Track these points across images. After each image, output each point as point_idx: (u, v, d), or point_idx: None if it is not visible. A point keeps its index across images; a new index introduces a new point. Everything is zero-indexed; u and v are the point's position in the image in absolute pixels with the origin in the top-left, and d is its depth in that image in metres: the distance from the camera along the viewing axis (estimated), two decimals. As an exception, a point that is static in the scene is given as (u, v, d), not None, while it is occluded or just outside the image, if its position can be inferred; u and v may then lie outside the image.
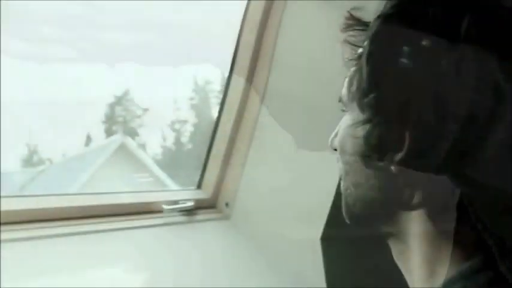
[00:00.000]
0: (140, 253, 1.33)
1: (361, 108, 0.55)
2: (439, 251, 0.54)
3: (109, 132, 3.69)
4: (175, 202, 1.49)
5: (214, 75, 4.33)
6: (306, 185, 1.50)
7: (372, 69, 0.53)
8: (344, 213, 0.65)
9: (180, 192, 1.60)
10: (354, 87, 0.57)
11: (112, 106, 3.67)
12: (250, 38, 1.56)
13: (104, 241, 1.31)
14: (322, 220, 1.45)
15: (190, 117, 4.30)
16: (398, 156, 0.53)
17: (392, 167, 0.54)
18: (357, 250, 1.35)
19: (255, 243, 1.53)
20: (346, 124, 0.61)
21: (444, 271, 0.53)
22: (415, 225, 0.56)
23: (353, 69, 0.58)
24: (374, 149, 0.55)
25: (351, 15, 0.61)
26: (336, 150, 0.65)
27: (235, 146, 1.59)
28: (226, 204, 1.59)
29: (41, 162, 3.41)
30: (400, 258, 0.60)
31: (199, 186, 1.63)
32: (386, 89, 0.53)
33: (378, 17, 0.54)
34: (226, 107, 1.60)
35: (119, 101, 3.71)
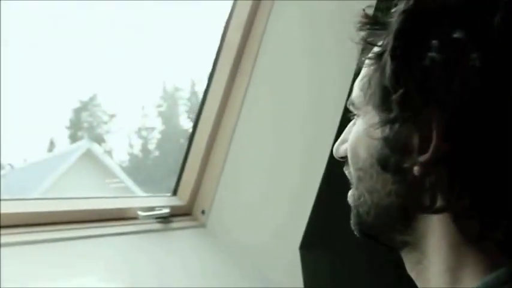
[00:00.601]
0: (115, 261, 1.25)
1: (384, 107, 0.52)
2: (463, 258, 0.51)
3: (73, 138, 3.56)
4: (151, 209, 1.42)
5: (184, 82, 4.27)
6: (284, 194, 1.46)
7: (398, 65, 0.50)
8: (354, 225, 0.61)
9: (155, 198, 1.53)
10: (372, 88, 0.55)
11: (77, 111, 3.55)
12: (233, 42, 1.52)
13: (76, 248, 1.22)
14: (301, 229, 1.41)
15: (158, 124, 4.23)
16: (424, 157, 0.50)
17: (415, 169, 0.51)
18: (336, 259, 1.32)
19: (231, 251, 1.47)
20: (360, 128, 0.58)
21: (468, 279, 0.50)
22: (437, 231, 0.53)
23: (371, 68, 0.55)
24: (396, 151, 0.52)
25: (366, 14, 0.58)
26: (342, 158, 0.63)
27: (212, 153, 1.53)
28: (203, 212, 1.53)
29: (1, 167, 3.27)
30: (416, 269, 0.57)
31: (174, 192, 1.56)
32: (415, 85, 0.49)
33: (402, 12, 0.51)
34: (204, 113, 1.54)
35: (85, 106, 3.59)
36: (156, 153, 3.95)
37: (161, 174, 3.69)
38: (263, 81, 1.50)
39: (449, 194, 0.51)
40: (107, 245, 1.27)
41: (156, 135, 3.87)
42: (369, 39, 0.57)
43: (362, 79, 0.58)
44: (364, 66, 0.58)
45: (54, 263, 1.15)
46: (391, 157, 0.53)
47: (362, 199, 0.58)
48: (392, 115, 0.51)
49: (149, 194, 1.55)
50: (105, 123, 3.61)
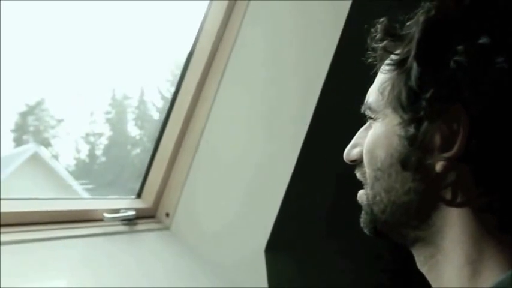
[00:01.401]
0: (80, 263, 1.19)
1: (409, 108, 0.54)
2: (484, 251, 0.52)
3: (18, 142, 3.37)
4: (116, 211, 1.37)
5: (133, 91, 4.17)
6: (249, 198, 1.46)
7: (424, 68, 0.52)
8: (365, 223, 0.62)
9: (120, 201, 1.47)
10: (395, 91, 0.56)
11: (24, 115, 3.37)
12: (204, 48, 1.51)
13: (40, 251, 1.15)
14: (265, 232, 1.41)
15: (106, 130, 4.08)
16: (448, 154, 0.52)
17: (438, 166, 0.53)
18: (301, 262, 1.33)
19: (196, 254, 1.44)
20: (379, 131, 0.59)
21: (488, 271, 0.51)
22: (457, 225, 0.54)
23: (394, 73, 0.57)
24: (419, 149, 0.54)
25: (385, 26, 0.61)
26: (353, 161, 0.64)
27: (178, 157, 1.51)
28: (167, 215, 1.49)
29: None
30: (429, 263, 0.57)
31: (139, 195, 1.51)
32: (442, 85, 0.51)
33: (424, 22, 0.54)
34: (172, 117, 1.51)
35: (32, 110, 3.41)
36: (103, 158, 3.81)
37: (107, 179, 3.56)
38: (232, 87, 1.50)
39: (472, 189, 0.52)
40: (72, 247, 1.21)
41: (103, 141, 3.74)
42: (388, 48, 0.59)
43: (382, 84, 0.59)
44: (383, 72, 0.60)
45: (17, 266, 1.08)
46: (412, 156, 0.54)
47: (378, 198, 0.59)
48: (420, 114, 0.53)
49: (115, 196, 1.50)
50: (53, 127, 3.44)
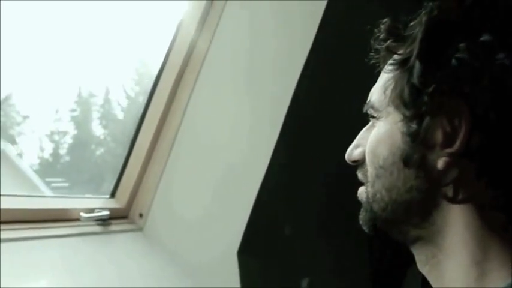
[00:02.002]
0: (56, 265, 1.17)
1: (411, 104, 0.54)
2: (489, 250, 0.51)
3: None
4: (91, 210, 1.36)
5: (99, 89, 4.10)
6: (223, 199, 1.47)
7: (426, 65, 0.53)
8: (365, 221, 0.61)
9: (93, 200, 1.46)
10: (397, 89, 0.56)
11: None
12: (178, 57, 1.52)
13: (16, 250, 1.13)
14: (238, 234, 1.43)
15: (70, 129, 3.99)
16: (450, 150, 0.51)
17: (440, 163, 0.52)
18: (274, 263, 1.36)
19: (169, 255, 1.44)
20: (382, 129, 0.58)
21: (495, 272, 0.50)
22: (460, 223, 0.53)
23: (397, 72, 0.57)
24: (421, 145, 0.53)
25: (389, 27, 0.61)
26: (355, 162, 0.64)
27: (153, 157, 1.51)
28: (140, 215, 1.49)
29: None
30: (430, 263, 0.56)
31: (112, 195, 1.50)
32: (444, 82, 0.52)
33: (426, 21, 0.54)
34: (147, 117, 1.51)
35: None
36: (67, 158, 3.73)
37: (71, 179, 3.50)
38: (206, 90, 1.51)
39: (474, 185, 0.52)
40: (50, 247, 1.19)
41: (67, 140, 3.66)
42: (391, 48, 0.59)
43: (385, 83, 0.59)
44: (386, 72, 0.60)
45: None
46: (414, 153, 0.54)
47: (378, 196, 0.58)
48: (422, 110, 0.53)
49: (89, 195, 1.48)
50: (18, 124, 3.34)
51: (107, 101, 3.98)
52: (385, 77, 0.59)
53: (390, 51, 0.59)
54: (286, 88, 1.45)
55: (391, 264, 1.41)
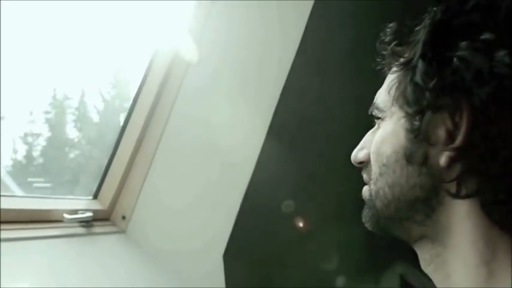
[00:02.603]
0: (39, 266, 1.13)
1: (414, 101, 0.54)
2: (497, 250, 0.50)
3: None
4: (75, 212, 1.32)
5: (74, 91, 4.00)
6: (208, 202, 1.46)
7: (428, 63, 0.54)
8: (367, 219, 0.61)
9: (77, 201, 1.42)
10: (401, 88, 0.57)
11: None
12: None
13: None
14: (224, 237, 1.41)
15: (44, 131, 3.87)
16: (452, 145, 0.52)
17: (443, 159, 0.52)
18: (259, 266, 1.34)
19: (152, 258, 1.41)
20: (387, 128, 0.59)
21: (505, 273, 0.49)
22: (466, 221, 0.52)
23: (400, 73, 0.58)
24: (424, 141, 0.54)
25: (395, 31, 0.62)
26: (360, 163, 0.64)
27: (137, 158, 1.48)
28: (123, 217, 1.45)
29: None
30: (434, 262, 0.55)
31: (95, 196, 1.47)
32: (445, 77, 0.52)
33: (429, 25, 0.55)
34: (132, 117, 1.48)
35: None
36: (40, 160, 3.63)
37: (45, 181, 3.40)
38: (193, 90, 1.49)
39: (477, 180, 0.52)
40: (33, 248, 1.15)
41: (41, 142, 3.56)
42: (397, 52, 0.60)
43: (389, 84, 0.60)
44: (391, 73, 0.61)
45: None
46: (417, 149, 0.54)
47: (381, 193, 0.58)
48: (423, 106, 0.53)
49: (72, 197, 1.44)
50: (-7, 125, 3.24)
51: (82, 103, 3.90)
52: (390, 78, 0.60)
53: (396, 55, 0.60)
54: (272, 93, 1.45)
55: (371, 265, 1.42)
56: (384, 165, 0.58)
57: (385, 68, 0.64)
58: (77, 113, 3.86)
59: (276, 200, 1.42)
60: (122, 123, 1.52)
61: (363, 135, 0.66)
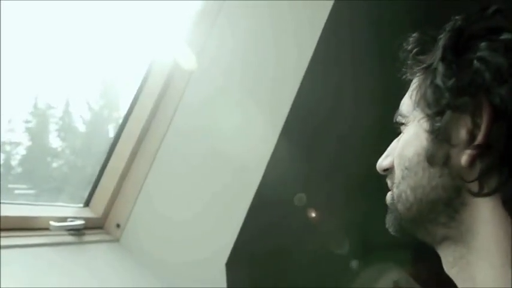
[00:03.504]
0: (22, 276, 1.00)
1: (435, 103, 0.54)
2: None
3: None
4: (63, 219, 1.19)
5: (58, 100, 3.83)
6: (208, 211, 1.34)
7: (448, 64, 0.54)
8: (390, 223, 0.60)
9: (66, 208, 1.29)
10: (421, 91, 0.57)
11: None
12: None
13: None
14: (223, 246, 1.30)
15: (24, 140, 3.67)
16: (472, 145, 0.51)
17: (464, 158, 0.52)
18: (264, 275, 1.24)
19: (147, 268, 1.29)
20: (410, 132, 0.58)
21: None
22: (490, 222, 0.51)
23: (421, 78, 0.59)
24: (445, 142, 0.53)
25: (418, 39, 0.62)
26: (385, 171, 0.63)
27: (134, 164, 1.36)
28: (117, 226, 1.33)
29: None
30: (458, 264, 0.54)
31: (87, 204, 1.34)
32: (465, 77, 0.52)
33: (449, 31, 0.56)
34: (129, 124, 1.37)
35: None
36: (19, 169, 3.44)
37: (27, 188, 3.21)
38: (195, 99, 1.39)
39: (498, 178, 0.51)
40: (15, 257, 1.02)
41: (20, 151, 3.38)
42: (420, 60, 0.60)
43: (411, 89, 0.60)
44: (414, 80, 0.61)
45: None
46: (438, 150, 0.54)
47: (403, 195, 0.57)
48: (443, 106, 0.53)
49: (59, 204, 1.31)
50: (-32, 132, 3.05)
51: (66, 113, 3.71)
52: (412, 85, 0.61)
53: (418, 62, 0.60)
54: (283, 107, 1.35)
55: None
56: (406, 168, 0.57)
57: (408, 76, 0.64)
58: (60, 122, 3.69)
59: (281, 207, 1.32)
60: (110, 133, 1.43)
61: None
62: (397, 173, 0.59)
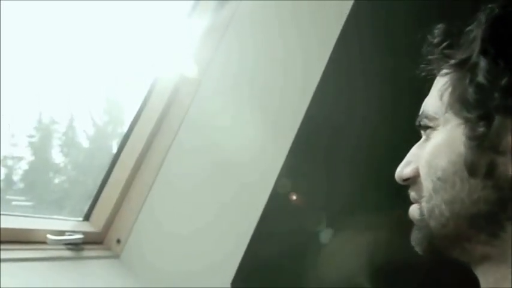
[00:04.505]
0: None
1: (477, 105, 0.47)
2: None
3: None
4: (61, 233, 1.12)
5: (62, 116, 3.78)
6: (213, 230, 1.27)
7: (493, 60, 0.46)
8: (419, 241, 0.52)
9: (64, 222, 1.22)
10: (457, 92, 0.50)
11: None
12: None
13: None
14: (227, 265, 1.22)
15: (27, 154, 3.62)
16: None
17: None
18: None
19: (148, 286, 1.21)
20: (440, 138, 0.51)
21: None
22: None
23: (454, 77, 0.51)
24: (489, 150, 0.46)
25: (444, 31, 0.56)
26: (406, 180, 0.56)
27: (136, 178, 1.30)
28: (118, 241, 1.26)
29: None
30: (499, 285, 0.47)
31: (87, 218, 1.27)
32: None
33: (486, 21, 0.49)
34: (131, 138, 1.32)
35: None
36: (21, 185, 3.37)
37: (26, 206, 3.14)
38: (201, 111, 1.34)
39: None
40: (10, 271, 0.95)
41: (22, 166, 3.32)
42: (447, 54, 0.53)
43: (441, 89, 0.52)
44: (440, 77, 0.54)
45: None
46: (481, 159, 0.46)
47: (437, 211, 0.49)
48: (490, 109, 0.45)
49: (57, 217, 1.24)
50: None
51: (70, 128, 3.66)
52: (440, 83, 0.53)
53: (446, 57, 0.53)
54: (290, 120, 1.29)
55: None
56: (438, 179, 0.49)
57: (433, 72, 0.57)
58: (64, 138, 3.64)
59: (288, 227, 1.24)
60: (114, 149, 1.38)
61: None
62: (426, 184, 0.51)
